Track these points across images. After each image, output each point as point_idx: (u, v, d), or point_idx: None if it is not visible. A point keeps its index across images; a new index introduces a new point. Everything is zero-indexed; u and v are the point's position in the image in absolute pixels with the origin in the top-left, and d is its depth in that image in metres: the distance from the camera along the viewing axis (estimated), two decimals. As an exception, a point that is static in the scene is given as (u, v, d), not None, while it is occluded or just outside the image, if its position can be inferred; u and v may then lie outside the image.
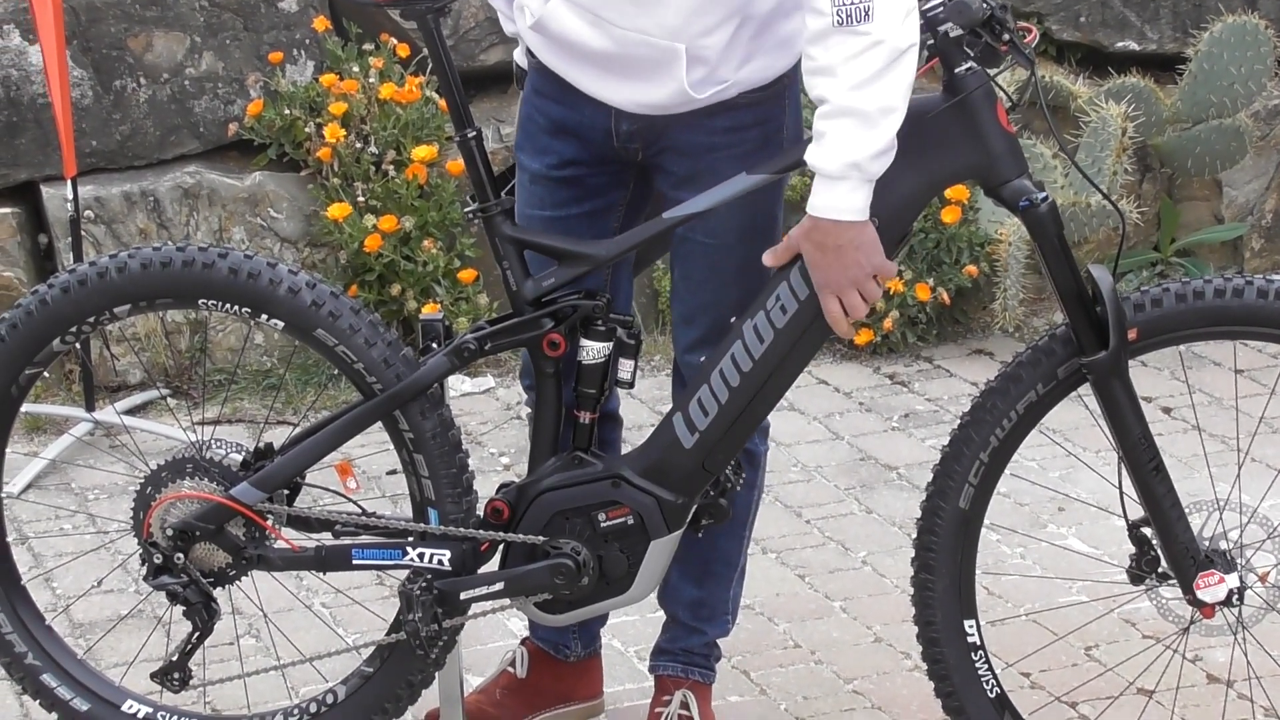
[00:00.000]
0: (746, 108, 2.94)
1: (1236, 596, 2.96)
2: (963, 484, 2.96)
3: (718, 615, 3.32)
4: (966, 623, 3.03)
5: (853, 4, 2.66)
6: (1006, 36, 2.80)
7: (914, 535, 3.05)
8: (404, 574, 3.03)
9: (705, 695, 3.34)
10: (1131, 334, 2.87)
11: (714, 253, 3.01)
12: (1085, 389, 2.93)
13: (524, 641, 3.43)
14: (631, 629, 3.73)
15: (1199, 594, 2.94)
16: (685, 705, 3.30)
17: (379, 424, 3.01)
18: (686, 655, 3.33)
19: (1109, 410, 2.88)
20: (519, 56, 3.14)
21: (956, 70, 2.80)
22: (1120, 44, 5.68)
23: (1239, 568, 2.96)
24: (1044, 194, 2.83)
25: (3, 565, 3.16)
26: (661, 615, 3.39)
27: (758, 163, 2.90)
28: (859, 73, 2.68)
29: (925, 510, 3.01)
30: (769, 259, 2.88)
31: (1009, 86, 2.91)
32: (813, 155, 2.75)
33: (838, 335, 2.90)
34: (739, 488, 3.08)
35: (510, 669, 3.41)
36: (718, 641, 3.35)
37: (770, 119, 2.98)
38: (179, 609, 3.06)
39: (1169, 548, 2.94)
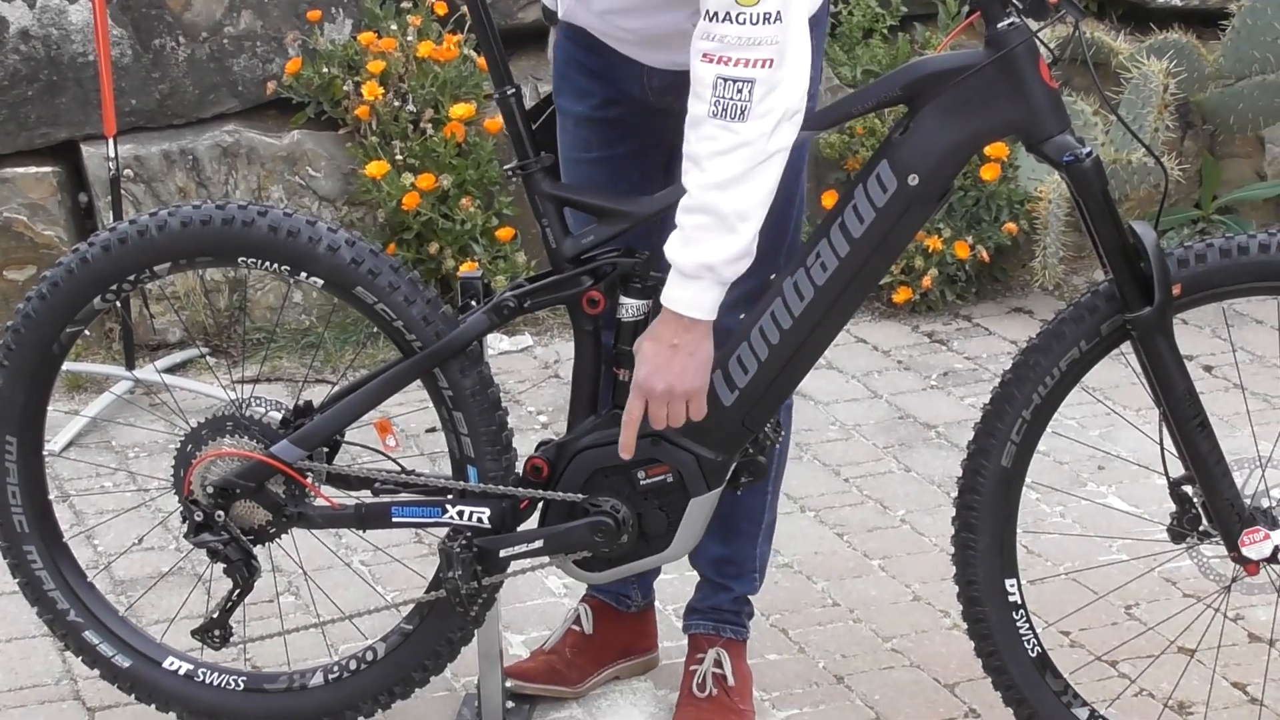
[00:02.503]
0: None
1: (1281, 554, 2.94)
2: (1005, 442, 2.95)
3: (745, 572, 3.32)
4: (1008, 581, 3.02)
5: (731, 100, 2.64)
6: (1057, -13, 2.78)
7: (953, 494, 3.04)
8: (443, 531, 3.04)
9: (739, 652, 3.34)
10: (1176, 289, 2.85)
11: None
12: (1125, 346, 2.92)
13: (585, 599, 3.44)
14: (670, 587, 3.72)
15: (1244, 550, 2.92)
16: (719, 663, 3.30)
17: (418, 382, 3.01)
18: (716, 613, 3.33)
19: (1153, 366, 2.86)
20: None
21: (999, 25, 2.77)
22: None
23: (1283, 525, 2.95)
24: (1088, 149, 2.80)
25: (44, 522, 3.17)
26: (702, 574, 3.39)
27: None
28: (722, 172, 2.66)
29: (967, 468, 3.00)
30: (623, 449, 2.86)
31: (1049, 42, 2.89)
32: (670, 249, 2.74)
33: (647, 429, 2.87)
34: (778, 445, 3.07)
35: (575, 627, 3.43)
36: (749, 598, 3.35)
37: None
38: (219, 566, 3.07)
39: (1214, 504, 2.92)
